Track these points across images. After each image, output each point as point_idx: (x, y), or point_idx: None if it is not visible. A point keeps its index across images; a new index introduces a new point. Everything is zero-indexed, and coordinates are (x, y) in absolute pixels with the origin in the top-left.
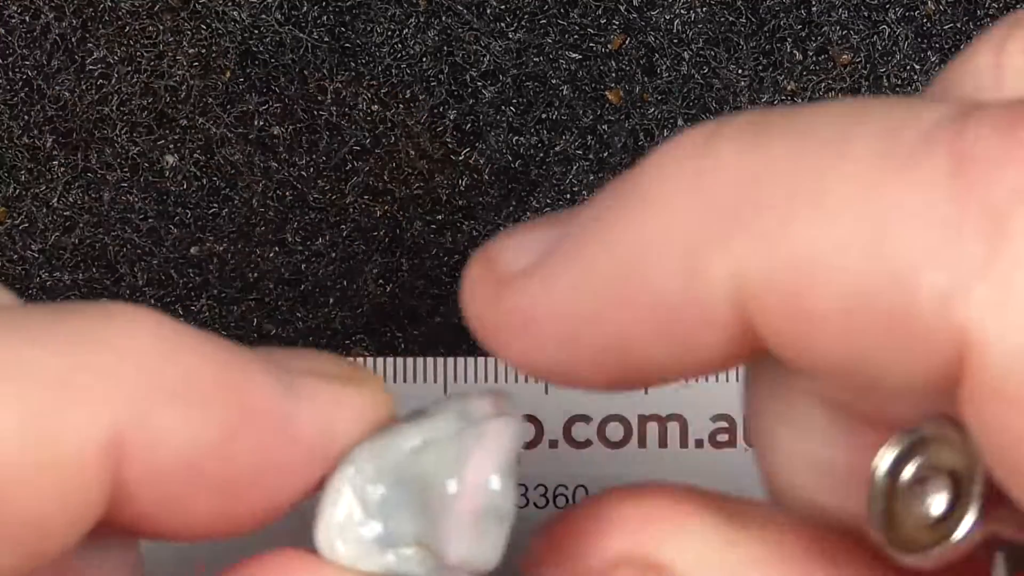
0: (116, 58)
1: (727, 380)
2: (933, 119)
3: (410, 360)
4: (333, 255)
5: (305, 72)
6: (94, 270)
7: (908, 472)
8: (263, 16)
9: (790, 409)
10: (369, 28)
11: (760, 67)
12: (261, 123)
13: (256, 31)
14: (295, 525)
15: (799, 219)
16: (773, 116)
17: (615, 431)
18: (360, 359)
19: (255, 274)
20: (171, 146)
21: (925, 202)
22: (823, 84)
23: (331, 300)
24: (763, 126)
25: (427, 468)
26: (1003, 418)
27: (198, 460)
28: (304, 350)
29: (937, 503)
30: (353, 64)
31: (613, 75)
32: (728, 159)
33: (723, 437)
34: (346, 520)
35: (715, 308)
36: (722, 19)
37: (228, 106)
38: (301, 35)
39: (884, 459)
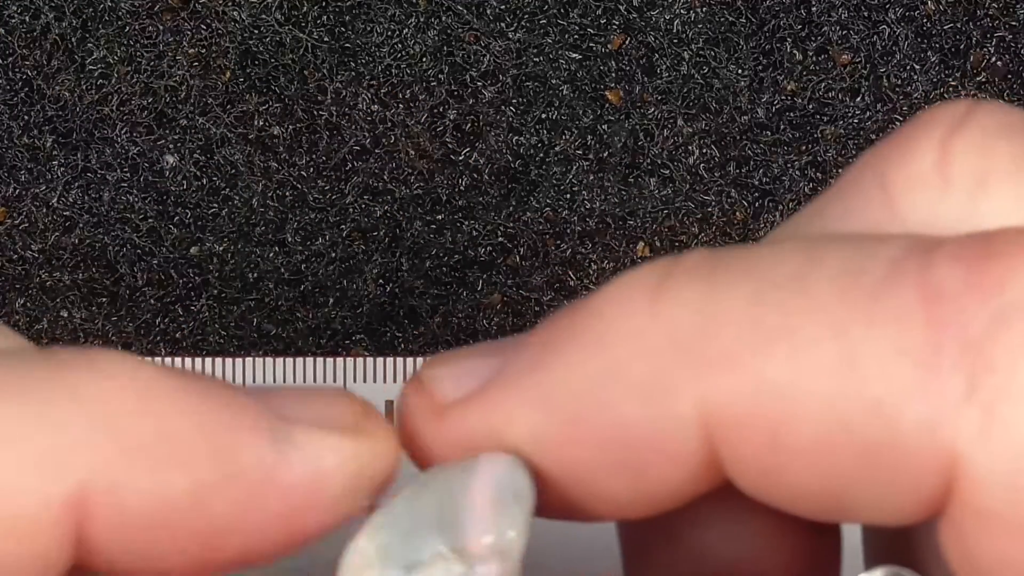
0: (116, 58)
1: None
2: (893, 255)
3: (410, 360)
4: (333, 255)
5: (305, 72)
6: (94, 270)
7: None
8: (263, 16)
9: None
10: (369, 28)
11: (760, 67)
12: (261, 123)
13: (256, 31)
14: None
15: (769, 352)
16: (726, 257)
17: None
18: (362, 366)
19: (255, 274)
20: (171, 146)
21: (898, 336)
22: (823, 84)
23: (331, 300)
24: (718, 263)
25: (437, 494)
26: (989, 542)
27: (169, 517)
28: (316, 390)
29: None
30: (353, 64)
31: (613, 75)
32: (684, 295)
33: None
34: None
35: (680, 441)
36: (722, 19)
37: (228, 106)
38: (301, 35)
39: None
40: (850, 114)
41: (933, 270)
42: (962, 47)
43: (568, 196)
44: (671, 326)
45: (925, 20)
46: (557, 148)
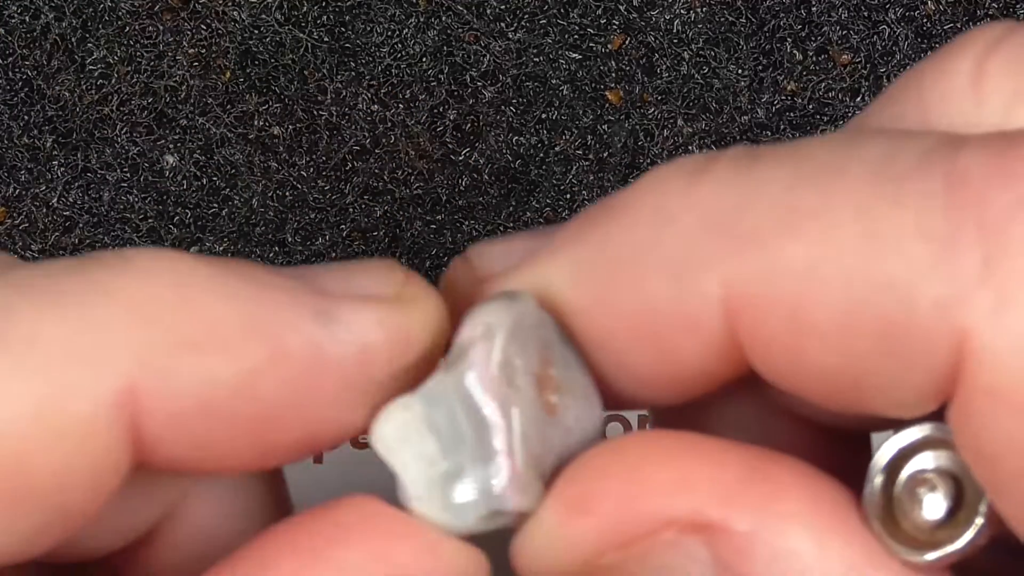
0: (116, 58)
1: None
2: (927, 145)
3: None
4: (333, 255)
5: (305, 72)
6: None
7: (908, 471)
8: (263, 16)
9: (731, 414)
10: (369, 28)
11: (760, 67)
12: (261, 123)
13: (256, 31)
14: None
15: (796, 233)
16: (766, 149)
17: (614, 430)
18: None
19: None
20: (171, 146)
21: (921, 218)
22: (823, 84)
23: None
24: (758, 154)
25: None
26: (997, 421)
27: (220, 404)
28: (357, 262)
29: (935, 504)
30: (353, 64)
31: (613, 75)
32: (723, 177)
33: None
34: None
35: (704, 319)
36: (722, 19)
37: (228, 106)
38: (301, 35)
39: (883, 454)
40: (850, 114)
41: (960, 158)
42: None
43: (568, 196)
44: (704, 206)
45: (925, 20)
46: (557, 148)
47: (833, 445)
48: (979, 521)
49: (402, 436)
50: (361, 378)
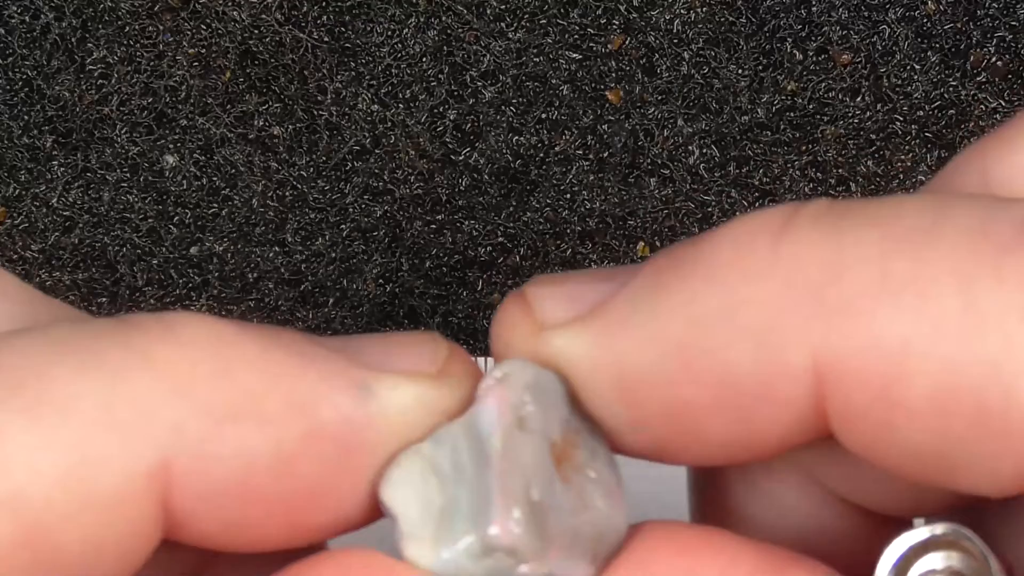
0: (116, 58)
1: None
2: (1021, 215)
3: None
4: (333, 255)
5: (305, 72)
6: (94, 270)
7: (916, 571)
8: (263, 16)
9: (767, 490)
10: (369, 28)
11: (760, 67)
12: (261, 123)
13: (256, 31)
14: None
15: (890, 305)
16: (852, 206)
17: None
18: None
19: (255, 274)
20: (171, 146)
21: (1022, 295)
22: (823, 84)
23: (331, 300)
24: (844, 211)
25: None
26: None
27: (254, 480)
28: (402, 335)
29: None
30: (353, 64)
31: (613, 75)
32: (810, 240)
33: None
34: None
35: (790, 390)
36: (722, 19)
37: (228, 106)
38: (301, 35)
39: (891, 554)
40: (850, 114)
41: None
42: (962, 47)
43: (568, 196)
44: (792, 270)
45: (925, 20)
46: (557, 148)
47: (875, 528)
48: None
49: (405, 479)
50: (398, 453)
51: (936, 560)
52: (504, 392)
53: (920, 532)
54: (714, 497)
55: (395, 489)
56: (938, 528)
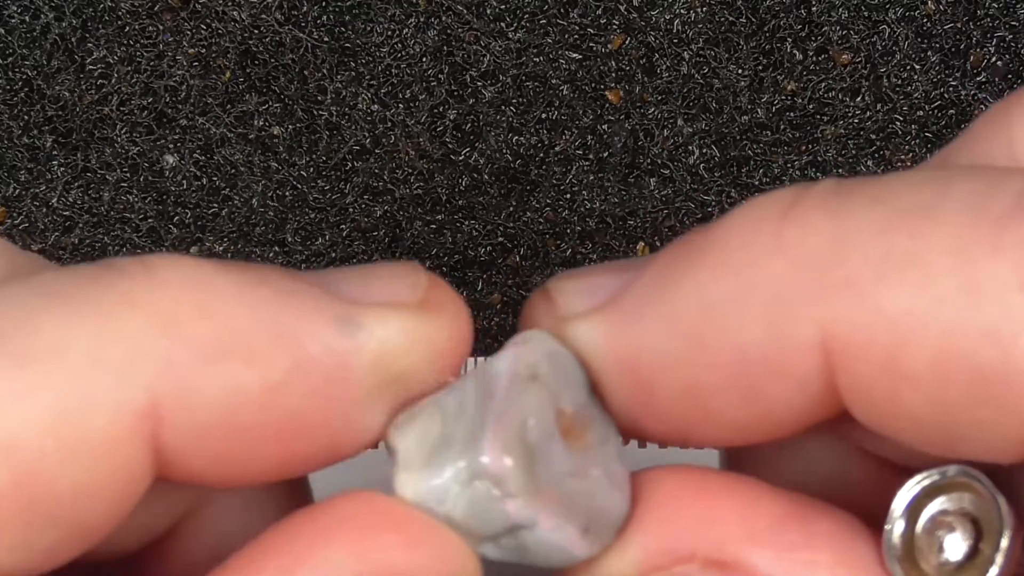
0: (116, 58)
1: None
2: (1019, 189)
3: None
4: (333, 255)
5: (305, 72)
6: None
7: (928, 513)
8: (263, 16)
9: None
10: (369, 28)
11: (760, 67)
12: (261, 123)
13: (256, 31)
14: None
15: (893, 279)
16: (856, 184)
17: None
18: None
19: None
20: (171, 146)
21: (1020, 266)
22: (823, 84)
23: None
24: (847, 191)
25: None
26: None
27: (242, 416)
28: (381, 266)
29: (955, 546)
30: (353, 64)
31: (613, 75)
32: (813, 217)
33: None
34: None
35: (799, 364)
36: (722, 19)
37: (228, 106)
38: (301, 35)
39: (904, 497)
40: (850, 114)
41: None
42: (962, 47)
43: (568, 196)
44: (798, 250)
45: (925, 20)
46: (557, 148)
47: (896, 476)
48: (1000, 560)
49: (412, 421)
50: (383, 385)
51: (947, 501)
52: (522, 349)
53: (931, 474)
54: (740, 450)
55: (399, 429)
56: (949, 470)
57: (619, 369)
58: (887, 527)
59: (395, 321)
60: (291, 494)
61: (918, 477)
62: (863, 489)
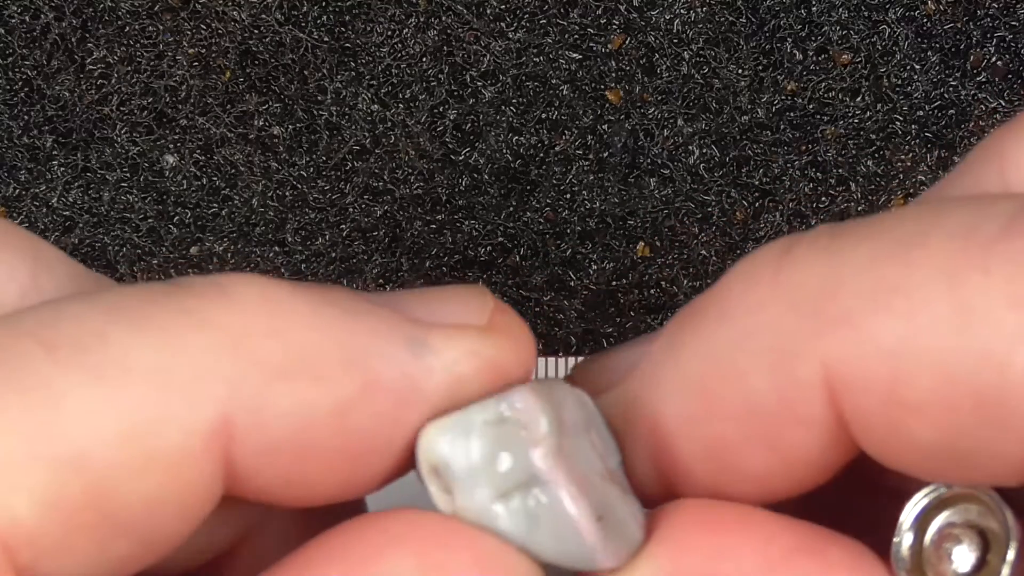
0: (116, 58)
1: None
2: (1013, 209)
3: None
4: (333, 255)
5: (305, 72)
6: (94, 270)
7: (935, 525)
8: (263, 16)
9: None
10: (369, 28)
11: (760, 67)
12: (261, 123)
13: (256, 31)
14: None
15: (886, 310)
16: (848, 225)
17: None
18: None
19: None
20: (171, 146)
21: (1011, 285)
22: (823, 84)
23: None
24: (838, 233)
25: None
26: None
27: (312, 435)
28: (448, 288)
29: (962, 558)
30: (353, 64)
31: (613, 75)
32: (806, 260)
33: None
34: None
35: (808, 405)
36: (722, 19)
37: (228, 106)
38: (301, 35)
39: (912, 511)
40: (850, 114)
41: None
42: (962, 47)
43: (568, 196)
44: (793, 292)
45: (925, 20)
46: (557, 148)
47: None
48: (1006, 572)
49: (446, 428)
50: (451, 408)
51: (954, 514)
52: (543, 386)
53: (938, 487)
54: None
55: (435, 441)
56: (959, 484)
57: (642, 435)
58: (895, 540)
59: (463, 343)
60: (349, 515)
61: (925, 490)
62: (858, 510)
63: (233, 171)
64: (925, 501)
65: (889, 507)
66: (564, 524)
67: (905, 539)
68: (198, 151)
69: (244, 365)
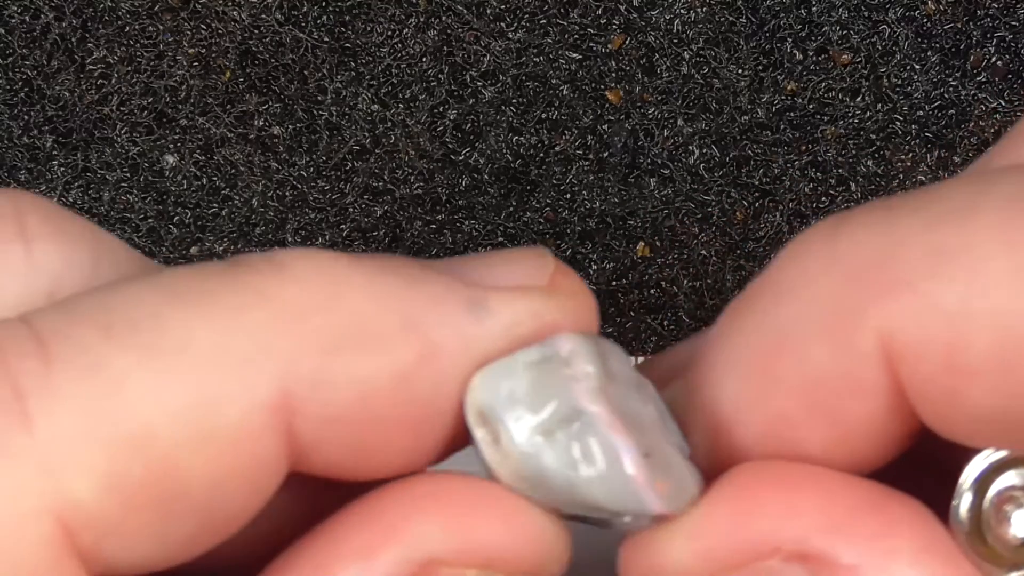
0: (116, 58)
1: None
2: None
3: None
4: None
5: (305, 72)
6: None
7: (996, 488)
8: (263, 16)
9: None
10: (369, 28)
11: (760, 67)
12: (261, 123)
13: (256, 31)
14: None
15: (944, 272)
16: (897, 198)
17: None
18: None
19: None
20: (171, 146)
21: None
22: (823, 84)
23: None
24: (891, 205)
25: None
26: None
27: (374, 404)
28: (508, 251)
29: (1022, 522)
30: (353, 64)
31: (613, 75)
32: (861, 233)
33: None
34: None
35: (867, 375)
36: (722, 19)
37: (228, 106)
38: (301, 35)
39: (972, 472)
40: (850, 114)
41: None
42: (962, 47)
43: (568, 196)
44: (848, 262)
45: (925, 20)
46: (557, 148)
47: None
48: None
49: (490, 372)
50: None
51: (1016, 476)
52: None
53: (1000, 450)
54: None
55: (481, 386)
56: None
57: (700, 423)
58: (955, 502)
59: (524, 304)
60: None
61: (986, 452)
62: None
63: (233, 171)
64: (985, 464)
65: (944, 494)
66: (609, 458)
67: (964, 500)
68: (198, 151)
69: (303, 338)
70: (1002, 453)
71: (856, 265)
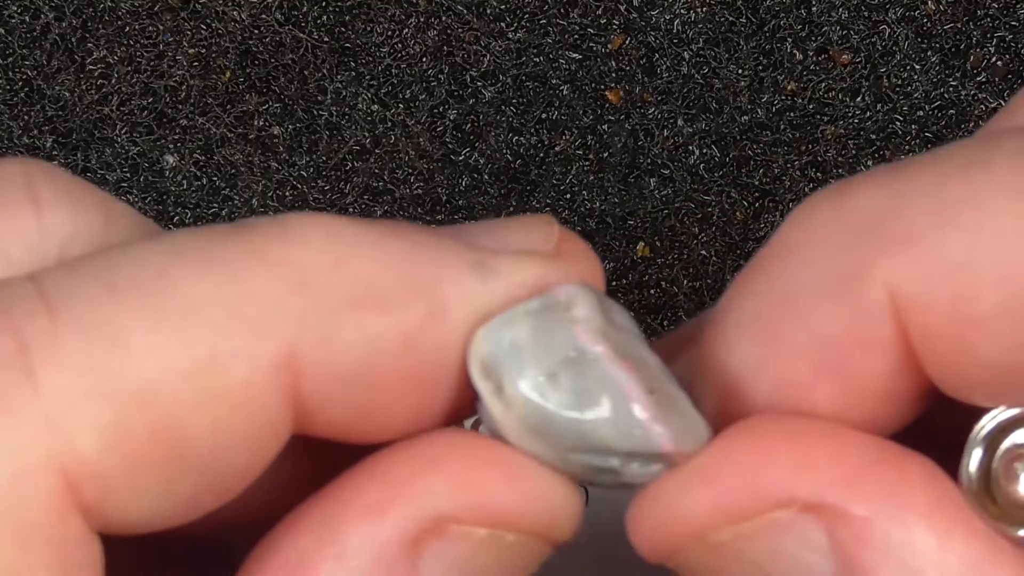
0: (116, 58)
1: None
2: None
3: None
4: None
5: (305, 72)
6: None
7: (1005, 446)
8: (263, 16)
9: None
10: (369, 28)
11: (760, 67)
12: (261, 123)
13: (256, 31)
14: None
15: (951, 224)
16: (904, 160)
17: None
18: None
19: None
20: (171, 146)
21: None
22: (823, 84)
23: None
24: (898, 165)
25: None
26: None
27: (380, 364)
28: (514, 218)
29: None
30: (353, 64)
31: (613, 75)
32: (867, 191)
33: None
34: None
35: (874, 332)
36: (722, 19)
37: (228, 106)
38: (301, 35)
39: (982, 429)
40: (850, 114)
41: None
42: (962, 47)
43: (568, 196)
44: (854, 219)
45: (925, 20)
46: (557, 148)
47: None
48: None
49: (492, 324)
50: None
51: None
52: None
53: (1010, 408)
54: None
55: (485, 336)
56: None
57: (708, 390)
58: (964, 459)
59: (529, 267)
60: None
61: (995, 411)
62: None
63: (233, 171)
64: (995, 422)
65: (950, 473)
66: (613, 396)
67: (974, 457)
68: (198, 151)
69: (309, 298)
70: (1012, 411)
71: (863, 223)
